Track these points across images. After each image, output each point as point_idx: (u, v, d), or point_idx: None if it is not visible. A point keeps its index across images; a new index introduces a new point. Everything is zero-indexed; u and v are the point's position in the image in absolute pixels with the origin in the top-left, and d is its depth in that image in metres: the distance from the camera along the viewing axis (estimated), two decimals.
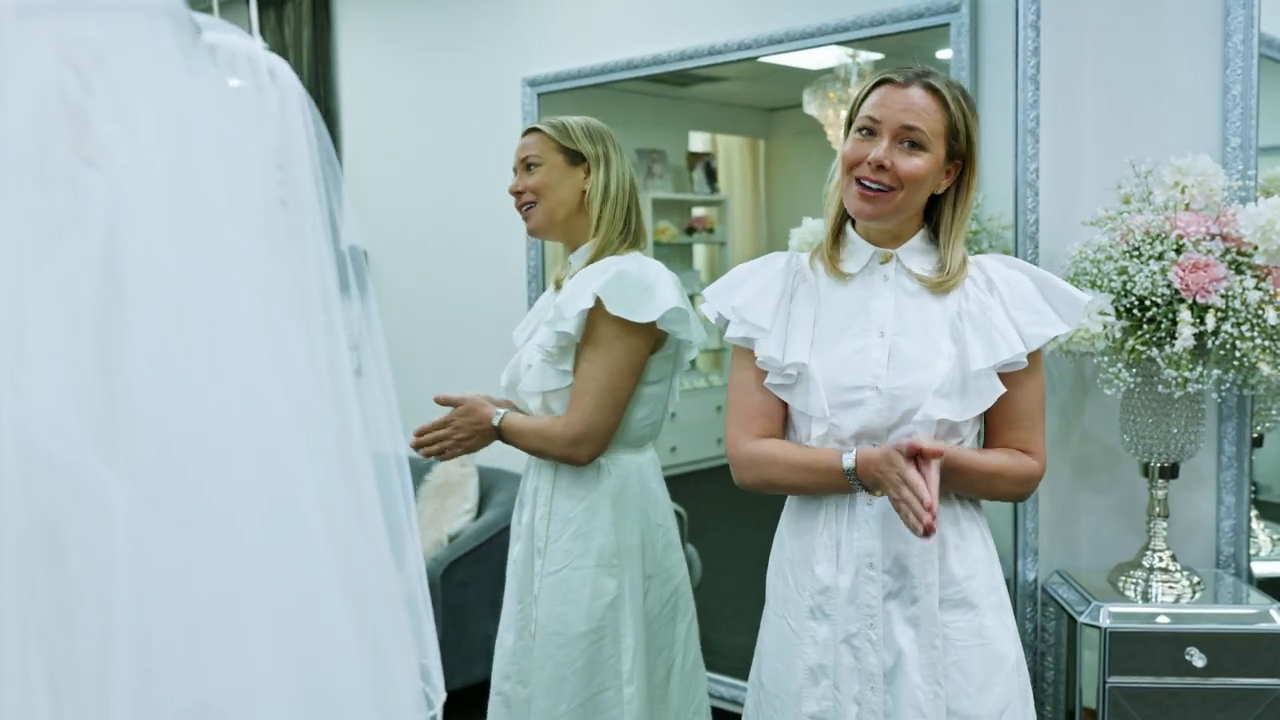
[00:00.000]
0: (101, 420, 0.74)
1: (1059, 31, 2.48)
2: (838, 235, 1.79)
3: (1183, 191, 2.20)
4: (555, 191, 2.17)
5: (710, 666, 3.53)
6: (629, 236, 2.18)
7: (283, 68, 0.99)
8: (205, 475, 0.74)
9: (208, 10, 1.08)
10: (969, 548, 1.74)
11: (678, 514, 3.74)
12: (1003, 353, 1.66)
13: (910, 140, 1.65)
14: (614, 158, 2.18)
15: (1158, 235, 2.16)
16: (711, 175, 4.72)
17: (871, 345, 1.70)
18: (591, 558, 2.09)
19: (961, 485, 1.70)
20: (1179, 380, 2.12)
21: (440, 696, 1.09)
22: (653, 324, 2.04)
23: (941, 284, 1.71)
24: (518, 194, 2.21)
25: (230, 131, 0.91)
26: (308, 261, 0.98)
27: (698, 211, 4.75)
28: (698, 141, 4.77)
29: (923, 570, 1.69)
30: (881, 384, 1.67)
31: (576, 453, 2.07)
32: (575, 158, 2.17)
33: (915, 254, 1.75)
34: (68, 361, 0.71)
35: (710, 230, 4.78)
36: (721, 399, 5.05)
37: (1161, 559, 2.33)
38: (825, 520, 1.74)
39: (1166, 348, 2.12)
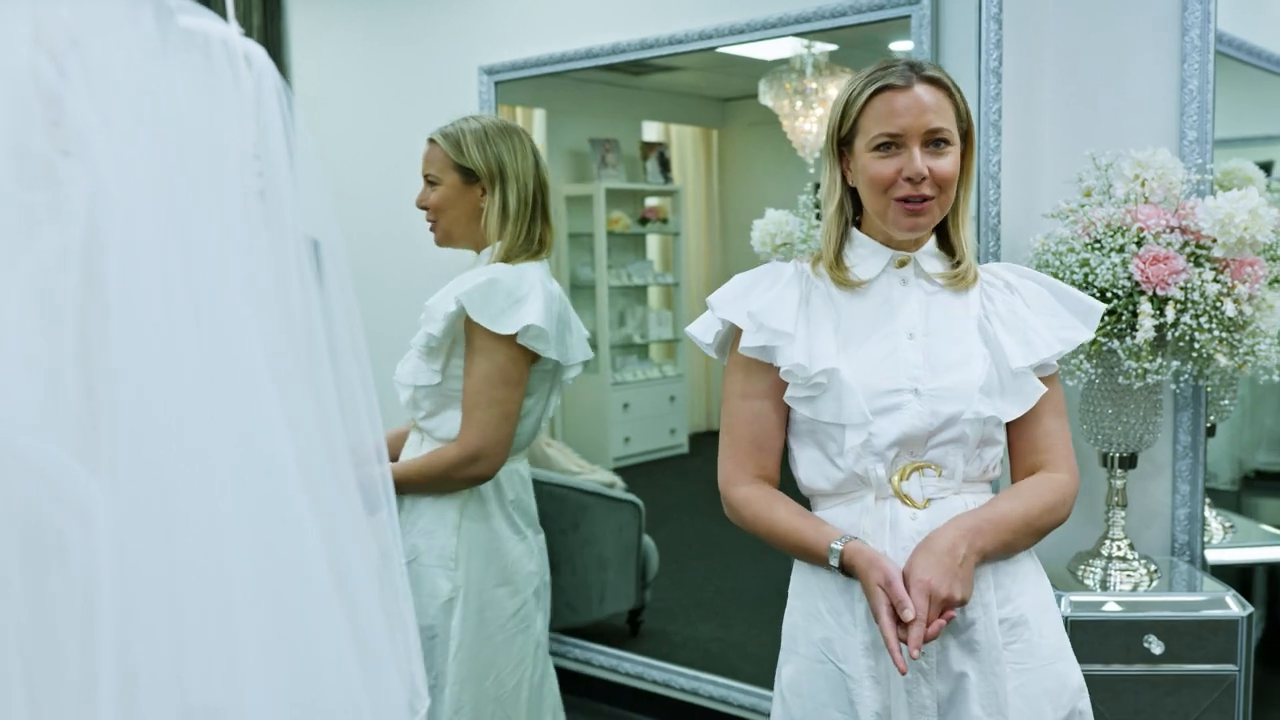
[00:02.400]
0: (81, 420, 0.71)
1: (1021, 24, 2.49)
2: (840, 253, 1.66)
3: (1143, 185, 2.22)
4: (453, 211, 2.14)
5: (669, 658, 3.54)
6: (532, 247, 2.14)
7: (259, 53, 0.96)
8: (190, 476, 0.71)
9: None
10: (1019, 559, 1.62)
11: (634, 505, 3.75)
12: (1041, 351, 1.60)
13: (936, 140, 1.56)
14: (512, 169, 2.11)
15: (1119, 228, 2.18)
16: (665, 165, 4.71)
17: (903, 347, 1.59)
18: (432, 556, 2.07)
19: (1005, 552, 1.58)
20: (1139, 371, 2.14)
21: (425, 702, 1.06)
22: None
23: (959, 276, 1.64)
24: (423, 208, 2.17)
25: (209, 119, 0.88)
26: (286, 252, 0.95)
27: (651, 201, 4.74)
28: (651, 131, 4.76)
29: (979, 589, 1.54)
30: (922, 385, 1.57)
31: (476, 470, 2.04)
32: (471, 175, 2.12)
33: (930, 257, 1.66)
34: (45, 359, 0.68)
35: (664, 220, 4.77)
36: (674, 389, 5.03)
37: (1120, 548, 2.36)
38: (865, 539, 1.56)
39: (1127, 339, 2.14)
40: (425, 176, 2.16)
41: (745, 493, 1.65)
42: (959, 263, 1.65)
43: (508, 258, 2.10)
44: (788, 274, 1.67)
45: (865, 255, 1.66)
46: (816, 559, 1.56)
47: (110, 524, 0.71)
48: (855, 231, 1.67)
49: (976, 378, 1.57)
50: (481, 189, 2.12)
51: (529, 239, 2.13)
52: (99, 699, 0.67)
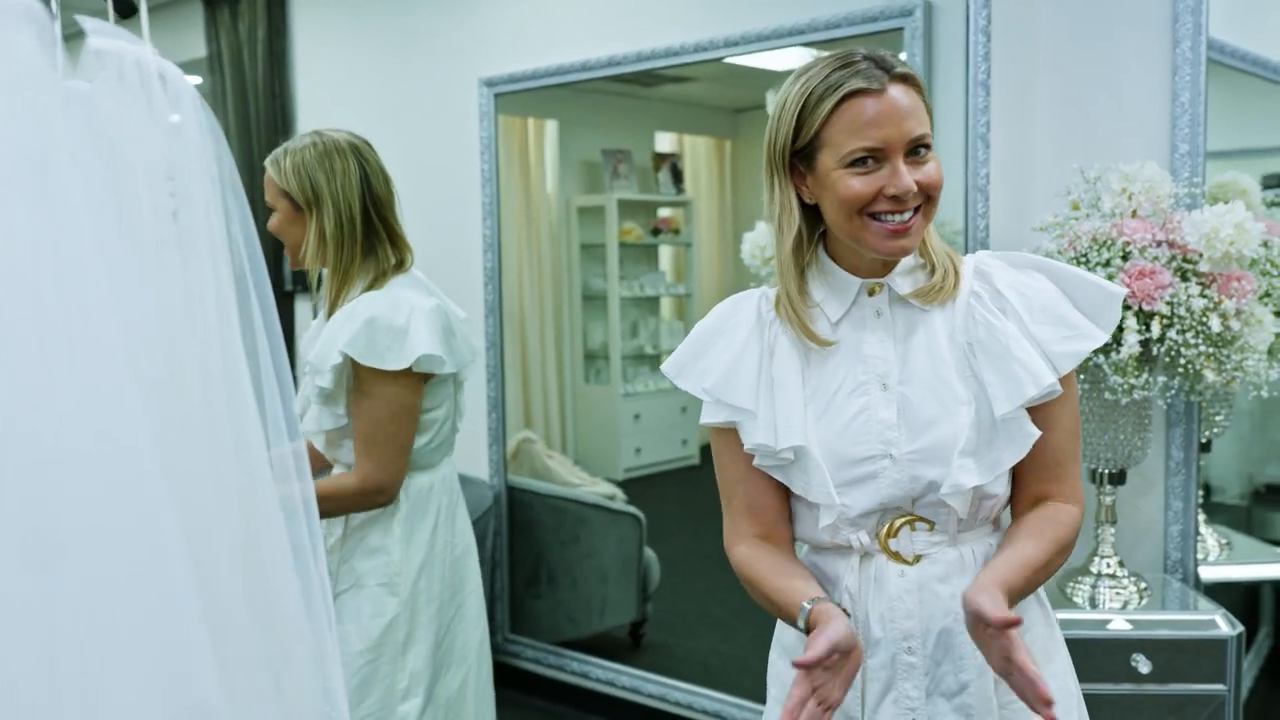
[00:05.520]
0: None
1: (1010, 37, 2.47)
2: (802, 289, 1.46)
3: (1130, 198, 2.19)
4: (289, 237, 2.14)
5: (670, 672, 3.53)
6: (378, 263, 2.12)
7: (174, 73, 0.96)
8: (62, 502, 0.71)
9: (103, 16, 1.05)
10: (1021, 607, 1.45)
11: (635, 518, 3.74)
12: (1028, 388, 1.36)
13: (919, 146, 1.36)
14: (330, 194, 2.08)
15: (1105, 242, 2.15)
16: (677, 176, 4.70)
17: (876, 402, 1.41)
18: (375, 577, 2.08)
19: (1025, 596, 1.40)
20: (1125, 387, 2.12)
21: (343, 718, 1.06)
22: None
23: (935, 289, 1.43)
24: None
25: (111, 140, 0.88)
26: (202, 272, 0.95)
27: (663, 212, 4.74)
28: (664, 142, 4.75)
29: (972, 650, 1.39)
30: (896, 450, 1.39)
31: (379, 500, 2.07)
32: (295, 202, 2.12)
33: (905, 276, 1.45)
34: None
35: (676, 231, 4.77)
36: (685, 400, 5.06)
37: (1109, 565, 2.33)
38: (847, 594, 1.45)
39: (1113, 354, 2.11)
40: (266, 201, 2.16)
41: (739, 555, 1.52)
42: (930, 269, 1.45)
43: (344, 280, 2.09)
44: (748, 323, 1.50)
45: (833, 288, 1.47)
46: (791, 622, 1.43)
47: None
48: (824, 258, 1.48)
49: (956, 436, 1.38)
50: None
51: (372, 254, 2.11)
52: None
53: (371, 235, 2.11)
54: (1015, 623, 1.21)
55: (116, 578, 0.72)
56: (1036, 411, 1.41)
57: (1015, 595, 1.33)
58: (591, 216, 4.52)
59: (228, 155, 1.01)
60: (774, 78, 3.55)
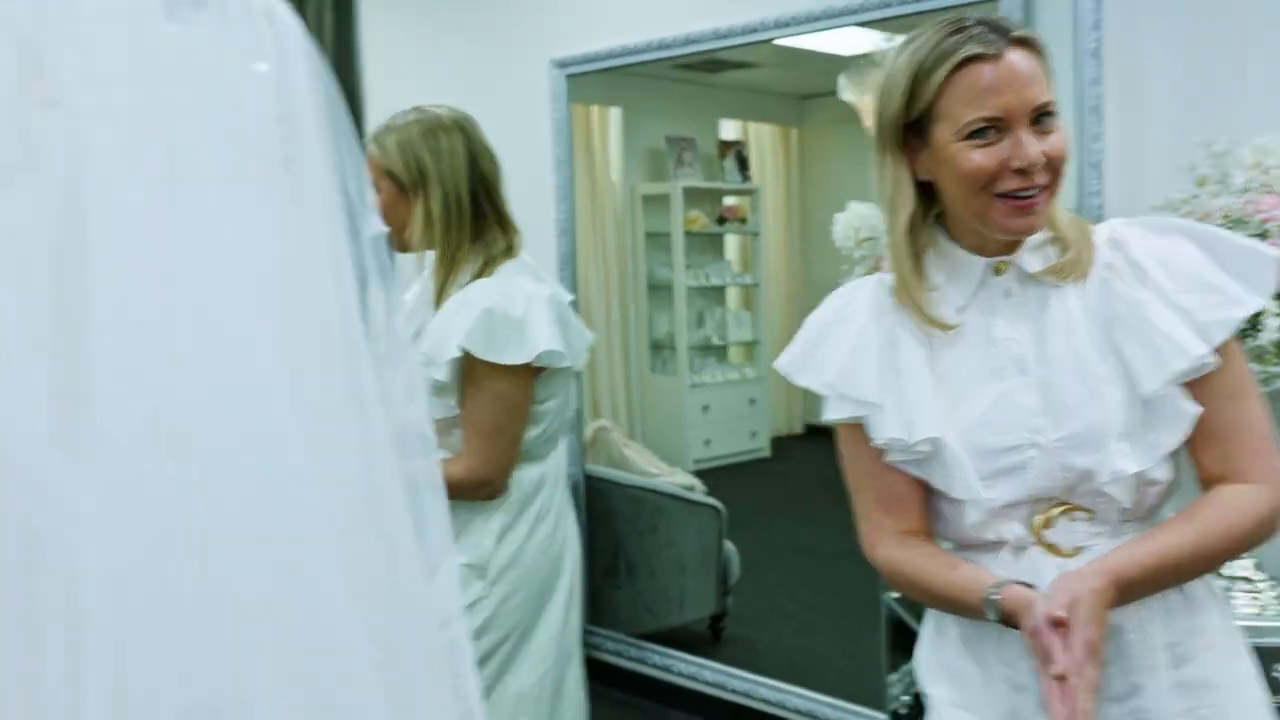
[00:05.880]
0: (63, 407, 0.62)
1: (1122, 4, 2.34)
2: (918, 271, 1.37)
3: (1265, 173, 2.06)
4: (396, 219, 2.04)
5: (750, 666, 3.46)
6: (487, 247, 2.03)
7: (281, 10, 0.86)
8: (186, 470, 0.63)
9: None
10: (1198, 605, 1.34)
11: (714, 509, 3.65)
12: (1174, 361, 1.26)
13: (1043, 114, 1.27)
14: (435, 174, 2.00)
15: (1239, 220, 2.03)
16: (743, 164, 4.63)
17: (1015, 388, 1.32)
18: (466, 555, 2.01)
19: (1160, 589, 1.29)
20: (1264, 375, 1.99)
21: (476, 715, 0.96)
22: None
23: (1071, 264, 1.33)
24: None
25: (220, 85, 0.79)
26: (315, 225, 0.86)
27: (729, 201, 4.67)
28: (728, 129, 4.69)
29: (1145, 650, 1.30)
30: (1042, 438, 1.29)
31: (482, 494, 2.02)
32: (400, 182, 2.03)
33: (1033, 252, 1.35)
34: (19, 338, 0.59)
35: (742, 220, 4.70)
36: (755, 391, 4.92)
37: (1244, 568, 2.18)
38: None
39: (1250, 340, 1.98)
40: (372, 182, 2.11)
41: (886, 555, 1.41)
42: (1062, 241, 1.34)
43: (453, 262, 2.02)
44: (865, 311, 1.41)
45: (954, 270, 1.37)
46: (977, 616, 1.30)
47: (97, 527, 0.62)
48: (941, 239, 1.38)
49: (1110, 419, 1.28)
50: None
51: (479, 237, 2.03)
52: (86, 701, 0.59)
53: (480, 217, 2.03)
54: (1059, 622, 1.16)
55: (247, 550, 0.64)
56: (1195, 386, 1.28)
57: (1133, 587, 1.23)
58: (656, 204, 4.46)
59: (339, 100, 0.91)
60: (841, 63, 3.43)
